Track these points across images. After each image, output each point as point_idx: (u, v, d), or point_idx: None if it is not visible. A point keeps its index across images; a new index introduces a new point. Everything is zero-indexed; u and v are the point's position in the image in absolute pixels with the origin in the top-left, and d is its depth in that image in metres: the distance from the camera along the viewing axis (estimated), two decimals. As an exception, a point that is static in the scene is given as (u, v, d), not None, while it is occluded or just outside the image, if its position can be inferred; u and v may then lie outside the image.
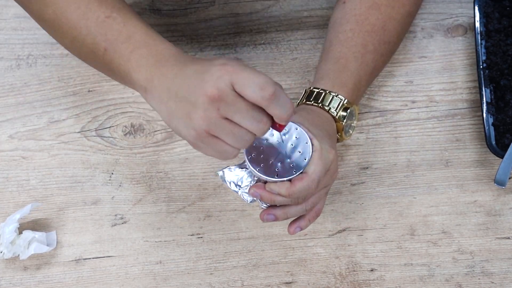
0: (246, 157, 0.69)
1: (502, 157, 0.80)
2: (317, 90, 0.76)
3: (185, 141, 0.84)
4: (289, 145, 0.69)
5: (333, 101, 0.75)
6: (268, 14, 0.91)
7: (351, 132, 0.80)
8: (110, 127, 0.86)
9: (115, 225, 0.82)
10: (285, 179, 0.68)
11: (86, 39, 0.70)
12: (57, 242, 0.81)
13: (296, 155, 0.69)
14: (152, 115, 0.86)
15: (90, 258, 0.81)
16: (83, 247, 0.81)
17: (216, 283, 0.79)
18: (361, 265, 0.80)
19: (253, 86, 0.58)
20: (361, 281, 0.79)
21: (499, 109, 0.83)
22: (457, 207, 0.82)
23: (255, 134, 0.62)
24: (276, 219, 0.71)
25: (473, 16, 0.86)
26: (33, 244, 0.79)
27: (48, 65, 0.89)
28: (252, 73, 0.59)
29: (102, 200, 0.83)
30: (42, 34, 0.90)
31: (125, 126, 0.86)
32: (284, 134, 0.69)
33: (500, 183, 0.79)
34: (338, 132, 0.77)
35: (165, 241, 0.81)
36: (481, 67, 0.84)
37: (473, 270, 0.79)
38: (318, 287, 0.79)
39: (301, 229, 0.73)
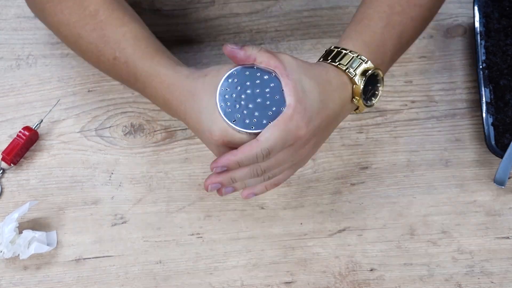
0: (220, 111, 0.66)
1: (501, 157, 0.80)
2: (337, 50, 0.71)
3: (185, 141, 0.84)
4: (264, 95, 0.67)
5: (352, 61, 0.70)
6: (268, 14, 0.91)
7: (373, 101, 0.72)
8: (110, 127, 0.86)
9: (115, 225, 0.82)
10: (259, 130, 0.66)
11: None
12: (57, 242, 0.81)
13: (270, 103, 0.66)
14: (152, 115, 0.86)
15: (90, 258, 0.81)
16: (83, 247, 0.81)
17: (216, 283, 0.79)
18: (360, 265, 0.80)
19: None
20: (361, 281, 0.79)
21: (499, 109, 0.83)
22: (456, 207, 0.82)
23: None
24: (234, 189, 0.71)
25: (472, 16, 0.86)
26: (33, 243, 0.79)
27: (48, 65, 0.89)
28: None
29: (102, 200, 0.83)
30: (42, 34, 0.90)
31: (125, 126, 0.86)
32: (257, 80, 0.67)
33: (499, 182, 0.80)
34: (355, 96, 0.70)
35: (165, 241, 0.81)
36: (481, 67, 0.84)
37: (473, 270, 0.79)
38: (318, 287, 0.79)
39: (255, 195, 0.71)
